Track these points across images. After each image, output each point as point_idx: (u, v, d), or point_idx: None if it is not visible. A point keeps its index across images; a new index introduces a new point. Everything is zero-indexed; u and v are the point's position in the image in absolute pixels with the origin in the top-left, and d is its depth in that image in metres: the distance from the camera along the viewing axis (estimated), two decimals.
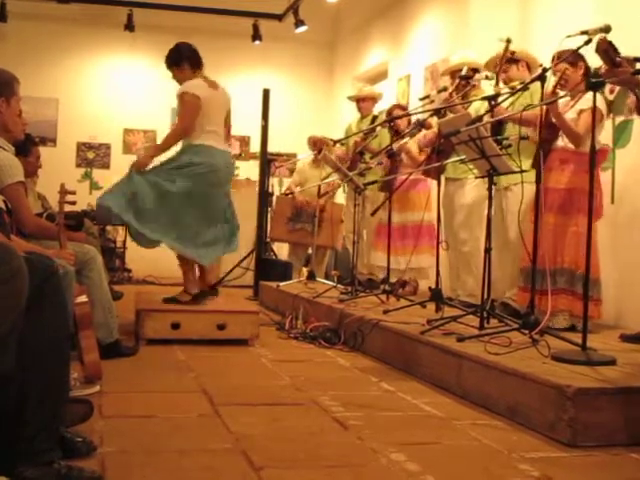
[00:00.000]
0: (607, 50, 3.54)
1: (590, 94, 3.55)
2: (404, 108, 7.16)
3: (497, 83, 5.09)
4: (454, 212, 6.00)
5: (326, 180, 7.30)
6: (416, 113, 6.00)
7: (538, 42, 6.06)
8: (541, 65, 4.04)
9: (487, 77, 5.34)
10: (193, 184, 4.96)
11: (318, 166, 8.19)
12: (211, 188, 5.08)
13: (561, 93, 4.56)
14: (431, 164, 5.38)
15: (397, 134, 6.33)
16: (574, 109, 4.71)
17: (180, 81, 5.20)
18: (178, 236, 4.99)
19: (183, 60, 5.17)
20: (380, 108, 7.88)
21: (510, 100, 4.81)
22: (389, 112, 6.88)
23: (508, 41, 5.03)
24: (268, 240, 8.59)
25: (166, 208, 4.93)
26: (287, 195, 7.92)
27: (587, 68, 4.64)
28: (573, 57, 4.35)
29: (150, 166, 5.03)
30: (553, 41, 4.68)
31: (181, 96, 5.07)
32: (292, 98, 11.11)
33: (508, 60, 5.17)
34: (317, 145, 8.23)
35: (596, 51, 3.61)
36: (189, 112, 5.02)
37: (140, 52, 10.97)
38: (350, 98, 7.80)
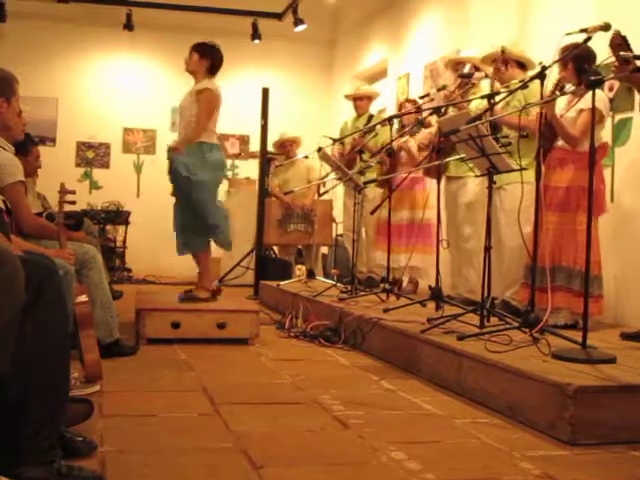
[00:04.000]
0: (620, 45, 3.54)
1: (590, 93, 3.55)
2: (414, 103, 7.10)
3: (493, 81, 5.15)
4: (457, 210, 6.01)
5: (325, 179, 7.29)
6: (426, 109, 5.97)
7: (538, 40, 6.06)
8: (541, 63, 4.03)
9: (487, 75, 5.36)
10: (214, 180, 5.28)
11: (293, 165, 8.21)
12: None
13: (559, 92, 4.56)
14: (431, 163, 5.38)
15: (403, 129, 6.33)
16: (575, 108, 4.71)
17: (190, 68, 5.32)
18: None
19: (209, 58, 5.29)
20: (376, 107, 7.89)
21: (505, 100, 4.83)
22: (400, 107, 6.87)
23: (503, 51, 5.11)
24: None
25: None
26: (287, 194, 7.91)
27: (577, 62, 4.60)
28: (561, 58, 4.35)
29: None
30: (553, 39, 4.69)
31: (203, 92, 5.18)
32: (291, 97, 11.11)
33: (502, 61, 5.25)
34: (285, 147, 8.25)
35: (609, 45, 3.61)
36: (210, 109, 5.18)
37: (139, 51, 10.98)
38: (347, 97, 7.81)
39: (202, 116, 5.14)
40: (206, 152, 5.16)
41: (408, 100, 7.21)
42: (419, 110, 6.29)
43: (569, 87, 4.64)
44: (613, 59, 3.74)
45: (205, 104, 5.15)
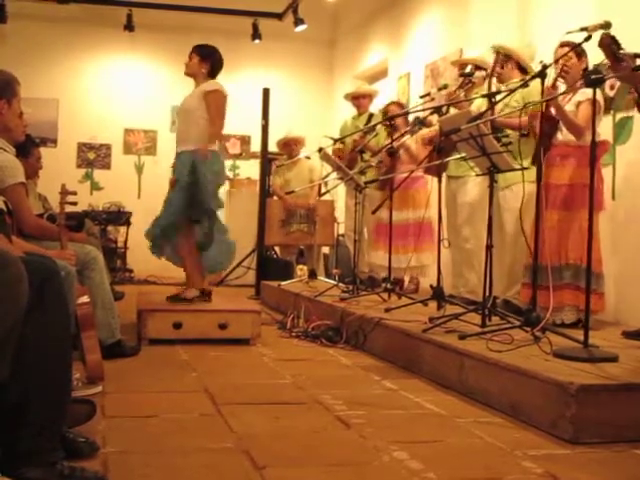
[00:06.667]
0: (610, 45, 3.54)
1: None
2: (401, 105, 7.16)
3: (490, 83, 5.19)
4: (456, 210, 6.01)
5: (326, 179, 7.29)
6: (415, 111, 6.01)
7: (538, 40, 6.05)
8: (541, 62, 4.04)
9: (487, 76, 5.37)
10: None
11: (296, 165, 8.24)
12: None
13: (561, 88, 4.57)
14: (432, 162, 5.38)
15: (394, 131, 6.32)
16: (572, 102, 4.73)
17: (190, 70, 5.26)
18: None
19: (210, 61, 5.23)
20: (377, 105, 7.89)
21: (504, 101, 4.85)
22: (385, 110, 6.89)
23: (498, 52, 5.13)
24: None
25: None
26: (288, 194, 7.92)
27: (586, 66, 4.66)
28: (580, 49, 4.36)
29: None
30: (553, 39, 4.71)
31: (212, 93, 5.11)
32: (292, 97, 11.11)
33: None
34: (289, 146, 8.28)
35: (599, 45, 3.61)
36: (223, 111, 5.13)
37: (140, 52, 10.98)
38: (347, 96, 7.81)
39: (217, 117, 5.08)
40: (215, 163, 5.09)
41: (394, 103, 7.24)
42: (408, 112, 6.33)
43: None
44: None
45: (218, 104, 5.09)
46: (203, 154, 5.03)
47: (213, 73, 5.24)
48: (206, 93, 5.12)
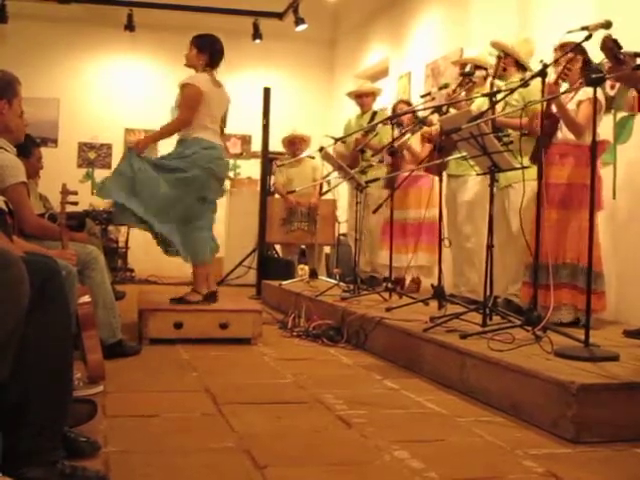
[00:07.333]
0: (612, 48, 3.54)
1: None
2: (409, 104, 7.16)
3: (492, 83, 5.21)
4: (457, 209, 6.01)
5: (327, 178, 7.30)
6: (421, 109, 6.01)
7: (538, 39, 6.05)
8: (542, 61, 4.04)
9: (487, 75, 5.38)
10: (195, 173, 4.98)
11: (300, 164, 8.25)
12: (209, 181, 5.11)
13: (563, 86, 4.58)
14: (433, 161, 5.38)
15: (401, 130, 6.33)
16: (573, 101, 4.73)
17: (189, 63, 5.20)
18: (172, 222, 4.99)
19: (208, 52, 5.14)
20: (379, 104, 7.89)
21: (503, 101, 4.87)
22: (394, 108, 6.90)
23: (499, 57, 5.16)
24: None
25: (165, 194, 4.93)
26: (290, 193, 7.93)
27: (585, 61, 4.64)
28: (578, 47, 4.37)
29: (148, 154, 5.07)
30: (553, 38, 4.71)
31: (184, 86, 5.05)
32: (293, 96, 11.11)
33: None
34: (294, 144, 8.29)
35: (601, 49, 3.61)
36: (190, 103, 5.01)
37: (141, 52, 10.99)
38: (350, 94, 7.80)
39: (184, 107, 5.00)
40: (187, 147, 5.03)
41: (402, 101, 7.25)
42: (414, 111, 6.32)
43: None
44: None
45: (185, 96, 5.02)
46: (136, 146, 5.03)
47: (212, 64, 5.15)
48: (181, 86, 5.08)
